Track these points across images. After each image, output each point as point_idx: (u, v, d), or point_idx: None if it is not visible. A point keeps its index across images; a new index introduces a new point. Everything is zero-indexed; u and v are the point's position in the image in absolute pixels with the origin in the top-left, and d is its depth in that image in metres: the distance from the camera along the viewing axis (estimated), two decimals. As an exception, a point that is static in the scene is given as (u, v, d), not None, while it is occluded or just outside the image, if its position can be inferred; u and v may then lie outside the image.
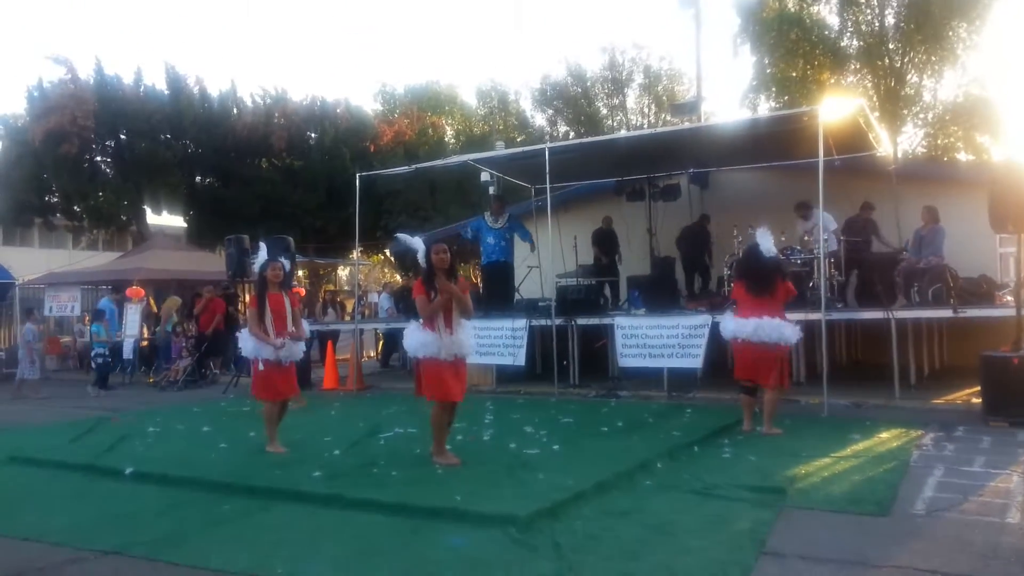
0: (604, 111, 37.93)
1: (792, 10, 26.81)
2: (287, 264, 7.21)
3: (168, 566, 4.08)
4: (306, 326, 7.44)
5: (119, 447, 7.21)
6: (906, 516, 4.58)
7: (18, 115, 22.95)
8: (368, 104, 35.48)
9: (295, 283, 15.06)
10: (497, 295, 12.27)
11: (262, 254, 6.96)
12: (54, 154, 21.02)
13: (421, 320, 5.95)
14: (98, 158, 23.37)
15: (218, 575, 3.94)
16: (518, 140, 33.55)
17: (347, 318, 16.97)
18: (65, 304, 17.08)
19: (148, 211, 24.76)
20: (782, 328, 6.99)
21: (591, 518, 4.64)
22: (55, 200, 23.40)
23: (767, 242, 7.13)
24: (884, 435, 6.92)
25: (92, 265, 20.93)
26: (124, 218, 23.99)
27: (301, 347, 7.10)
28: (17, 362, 16.23)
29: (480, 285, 13.67)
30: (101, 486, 5.89)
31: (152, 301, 16.91)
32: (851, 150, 10.48)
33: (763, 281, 7.08)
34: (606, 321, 10.54)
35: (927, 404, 8.51)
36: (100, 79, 22.52)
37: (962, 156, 25.88)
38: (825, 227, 10.06)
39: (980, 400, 7.67)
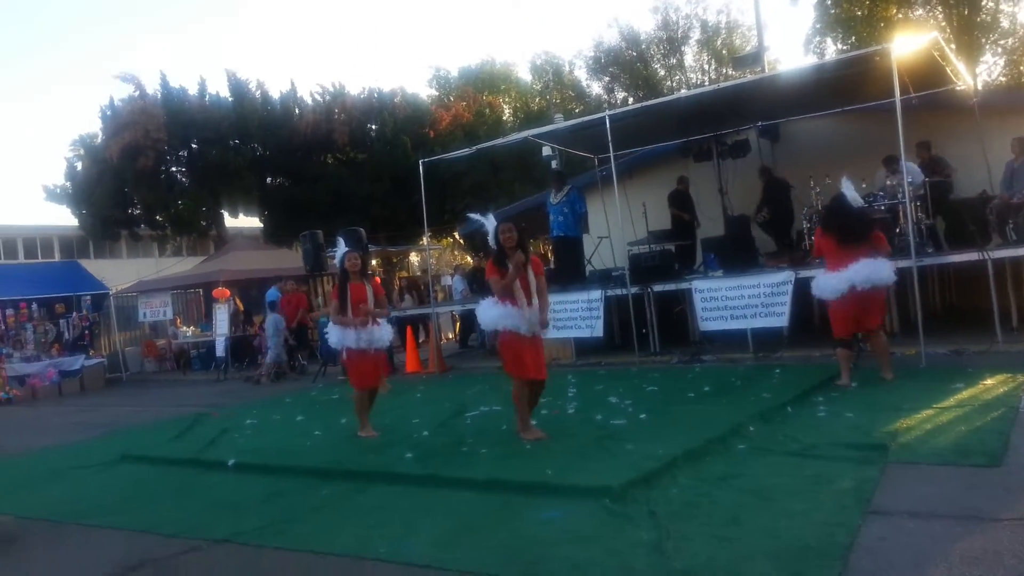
0: (662, 72, 37.15)
1: (853, -54, 25.58)
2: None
3: (275, 551, 4.22)
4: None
5: (220, 440, 7.52)
6: (1020, 465, 4.34)
7: (94, 134, 23.98)
8: (423, 90, 35.70)
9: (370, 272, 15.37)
10: (565, 269, 12.20)
11: (341, 247, 7.13)
12: (132, 168, 21.89)
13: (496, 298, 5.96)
14: (173, 168, 24.21)
15: (322, 557, 4.05)
16: (576, 111, 33.19)
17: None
18: (158, 309, 17.92)
19: (225, 215, 25.59)
20: (880, 268, 6.79)
21: (686, 485, 4.56)
22: (138, 212, 24.38)
23: (852, 192, 6.87)
24: (989, 382, 6.57)
25: (178, 271, 21.85)
26: (204, 223, 24.84)
27: (386, 333, 7.14)
28: (120, 365, 17.22)
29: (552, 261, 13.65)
30: (207, 478, 6.15)
31: (238, 300, 17.53)
32: (928, 86, 9.94)
33: (854, 231, 6.85)
34: (683, 286, 10.34)
35: (1032, 346, 8.06)
36: (167, 92, 23.27)
37: (1050, 82, 24.30)
38: (913, 180, 9.62)
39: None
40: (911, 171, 10.03)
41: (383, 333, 7.08)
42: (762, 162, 12.65)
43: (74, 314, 17.49)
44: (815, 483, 4.38)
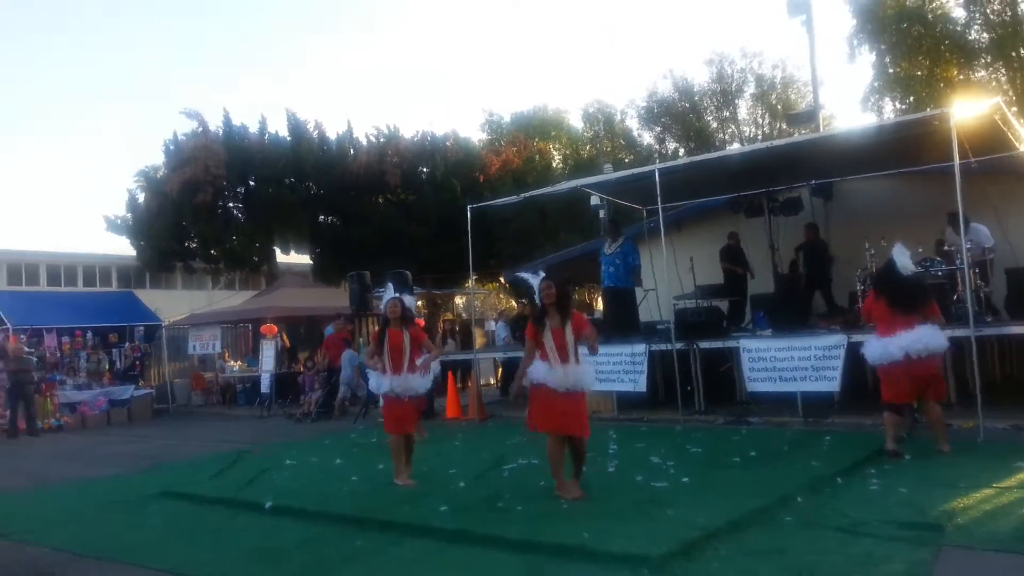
0: (714, 124, 37.13)
1: (912, 5, 25.39)
2: (408, 299, 7.39)
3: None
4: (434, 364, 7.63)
5: (259, 480, 7.56)
6: (1085, 557, 4.11)
7: (156, 167, 24.83)
8: (475, 135, 36.26)
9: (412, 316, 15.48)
10: (615, 320, 12.12)
11: (388, 291, 7.25)
12: (191, 203, 22.56)
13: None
14: (230, 204, 24.90)
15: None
16: (626, 160, 33.29)
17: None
18: (207, 342, 18.28)
19: (277, 251, 26.14)
20: (934, 336, 6.62)
21: (727, 559, 4.42)
22: (194, 245, 25.07)
23: (904, 259, 6.71)
24: (1052, 462, 6.27)
25: (229, 305, 22.33)
26: (256, 259, 25.41)
27: (421, 383, 7.11)
28: (168, 396, 17.52)
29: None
30: (243, 520, 6.18)
31: (285, 337, 17.80)
32: (989, 151, 9.71)
33: (906, 298, 6.72)
34: (730, 344, 10.16)
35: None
36: (228, 130, 24.06)
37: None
38: (980, 243, 9.39)
39: None
40: (978, 234, 9.77)
41: (420, 382, 7.06)
42: (813, 220, 12.51)
43: (127, 344, 17.96)
44: (864, 563, 4.20)
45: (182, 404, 18.33)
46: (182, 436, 12.96)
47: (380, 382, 6.98)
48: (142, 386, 17.40)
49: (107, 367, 17.38)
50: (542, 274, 6.21)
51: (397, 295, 7.17)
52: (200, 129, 23.94)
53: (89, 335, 17.58)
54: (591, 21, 72.74)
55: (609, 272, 12.20)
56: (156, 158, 30.74)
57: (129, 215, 25.13)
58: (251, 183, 24.28)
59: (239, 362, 19.08)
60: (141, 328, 18.43)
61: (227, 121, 24.15)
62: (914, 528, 4.72)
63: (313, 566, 4.83)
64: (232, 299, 25.54)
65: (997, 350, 10.56)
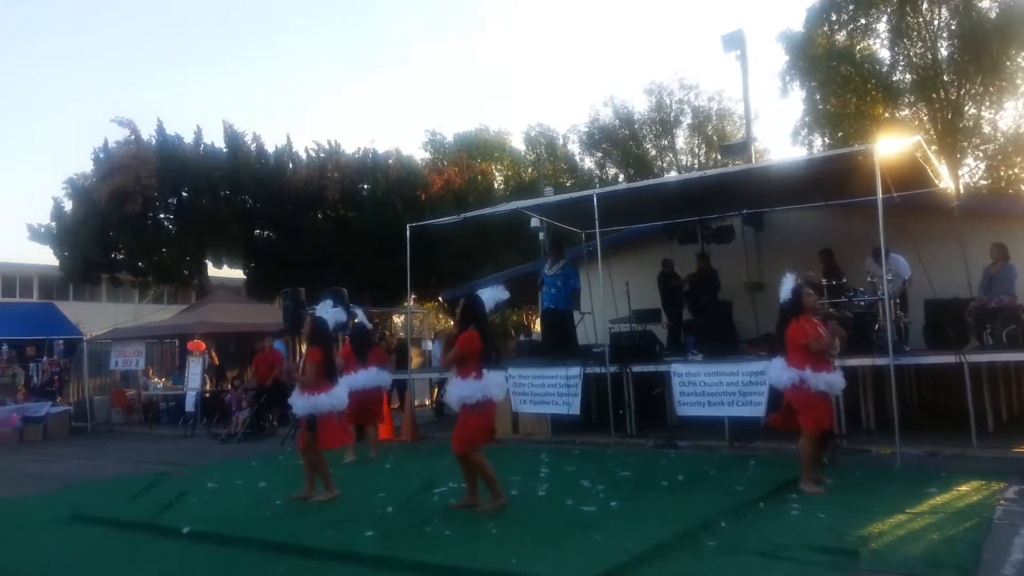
0: (653, 152, 37.90)
1: (841, 45, 26.52)
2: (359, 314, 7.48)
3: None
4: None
5: (178, 504, 7.26)
6: (993, 582, 4.27)
7: (85, 175, 23.96)
8: (418, 153, 36.16)
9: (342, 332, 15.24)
10: (553, 343, 12.16)
11: (322, 307, 7.43)
12: (119, 213, 21.84)
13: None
14: (161, 215, 24.20)
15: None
16: (567, 184, 33.67)
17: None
18: (131, 358, 17.59)
19: (209, 265, 25.47)
20: (779, 369, 6.80)
21: (652, 584, 4.44)
22: (120, 257, 24.25)
23: (786, 286, 6.90)
24: (963, 488, 6.52)
25: (157, 319, 21.60)
26: (186, 272, 24.70)
27: (318, 401, 7.05)
28: (87, 414, 16.75)
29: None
30: (159, 546, 5.91)
31: (214, 354, 17.28)
32: (910, 186, 10.16)
33: (782, 325, 6.92)
34: (662, 368, 10.30)
35: (1008, 453, 8.03)
36: (162, 139, 23.44)
37: (1029, 187, 24.99)
38: (899, 274, 9.76)
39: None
40: (898, 265, 10.16)
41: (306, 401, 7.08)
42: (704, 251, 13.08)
43: (44, 358, 17.15)
44: (784, 589, 4.27)
45: (102, 422, 17.53)
46: (99, 456, 12.41)
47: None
48: (60, 403, 16.62)
49: (23, 382, 16.56)
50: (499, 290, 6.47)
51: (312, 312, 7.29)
52: (132, 137, 23.26)
53: (4, 348, 16.74)
54: (535, 43, 73.79)
55: (551, 294, 12.29)
56: (85, 166, 29.64)
57: (54, 223, 24.17)
58: (184, 194, 23.68)
59: (164, 379, 18.43)
60: (61, 342, 17.65)
61: (161, 130, 23.54)
62: (832, 553, 4.82)
63: (230, 594, 4.66)
64: (160, 313, 24.76)
65: (915, 377, 10.96)
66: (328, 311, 7.52)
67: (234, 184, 23.80)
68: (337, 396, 7.15)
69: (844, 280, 10.49)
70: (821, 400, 6.68)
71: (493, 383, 6.28)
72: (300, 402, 7.10)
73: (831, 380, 6.69)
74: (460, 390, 6.21)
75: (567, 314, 12.41)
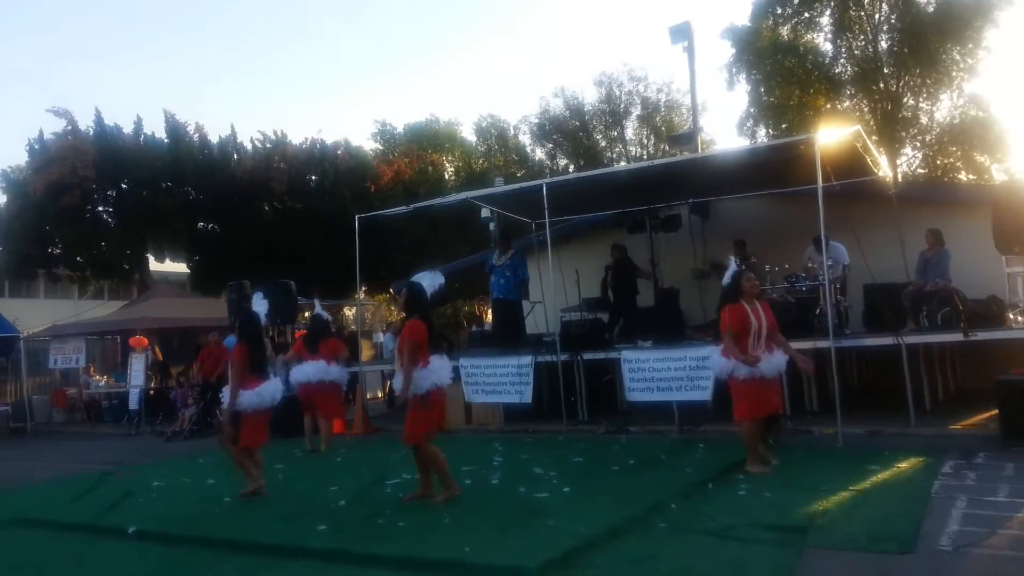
0: (603, 143, 38.19)
1: (786, 38, 27.09)
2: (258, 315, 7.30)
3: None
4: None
5: (122, 504, 7.08)
6: (931, 553, 4.42)
7: (19, 168, 23.12)
8: (367, 144, 35.79)
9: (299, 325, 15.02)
10: (503, 332, 12.22)
11: (254, 301, 7.28)
12: (56, 206, 21.12)
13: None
14: (99, 208, 23.47)
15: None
16: (518, 175, 33.72)
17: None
18: (70, 355, 17.00)
19: (151, 259, 24.82)
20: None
21: (604, 567, 4.49)
22: (58, 251, 23.46)
23: (730, 268, 7.07)
24: (903, 465, 6.75)
25: (97, 315, 20.94)
26: (127, 267, 24.03)
27: (240, 397, 6.94)
28: (25, 415, 16.17)
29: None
30: (103, 547, 5.76)
31: (157, 350, 16.85)
32: (850, 175, 10.43)
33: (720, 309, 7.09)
34: (612, 355, 10.41)
35: (944, 430, 8.34)
36: (100, 130, 22.71)
37: (963, 176, 25.92)
38: (838, 260, 10.02)
39: (998, 425, 7.51)
40: (837, 252, 10.45)
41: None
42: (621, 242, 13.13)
43: (-21, 358, 16.51)
44: (733, 567, 4.38)
45: (42, 423, 16.91)
46: (39, 457, 12.00)
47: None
48: (-4, 403, 16.02)
49: (-45, 383, 15.93)
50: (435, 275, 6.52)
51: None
52: (69, 128, 22.48)
53: (-65, 348, 16.06)
54: (486, 32, 73.55)
55: (500, 284, 12.34)
56: (19, 158, 28.57)
57: (-15, 218, 23.25)
58: (124, 186, 23.00)
59: (106, 377, 17.89)
60: (-5, 340, 16.96)
61: (99, 120, 22.81)
62: (779, 531, 4.95)
63: (178, 593, 4.57)
64: (100, 309, 24.02)
65: (856, 360, 11.29)
66: (259, 304, 7.42)
67: (176, 175, 23.21)
68: (264, 393, 6.98)
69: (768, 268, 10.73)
70: (755, 386, 6.68)
71: (439, 369, 6.25)
72: (225, 398, 7.03)
73: (761, 365, 6.65)
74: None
75: (517, 303, 12.48)
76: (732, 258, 7.33)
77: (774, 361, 6.79)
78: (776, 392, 7.01)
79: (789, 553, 4.54)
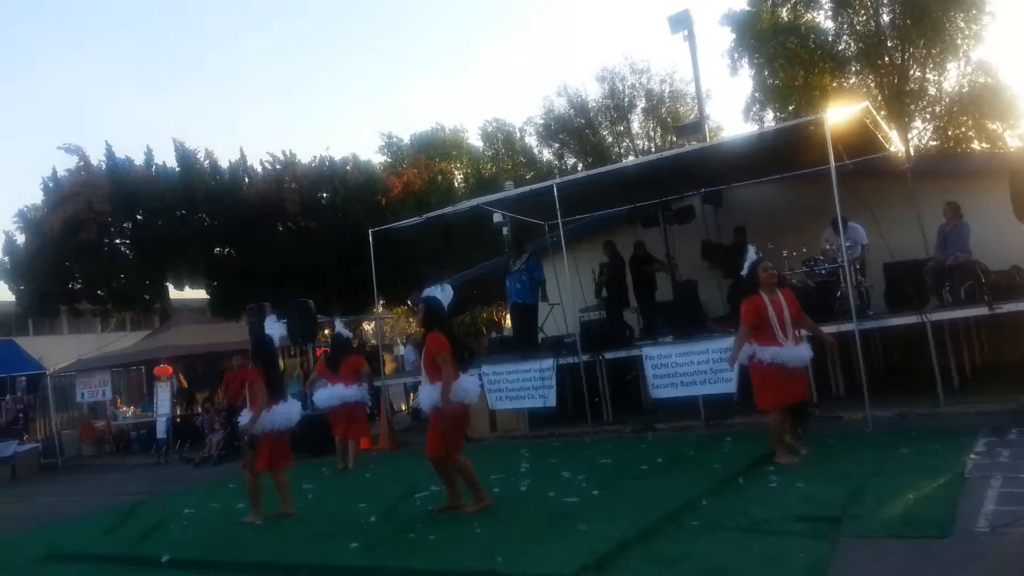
0: (610, 139, 38.03)
1: (786, 19, 26.85)
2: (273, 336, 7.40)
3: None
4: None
5: (155, 533, 7.12)
6: (969, 535, 4.34)
7: (36, 207, 23.41)
8: (375, 158, 35.89)
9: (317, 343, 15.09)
10: (522, 337, 12.19)
11: (268, 324, 7.41)
12: (73, 242, 21.35)
13: None
14: (116, 241, 23.70)
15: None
16: (527, 177, 33.66)
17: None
18: (96, 389, 17.23)
19: (170, 288, 25.03)
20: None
21: (639, 569, 4.46)
22: (78, 287, 23.72)
23: (749, 258, 6.96)
24: (934, 446, 6.65)
25: (120, 347, 21.14)
26: (147, 297, 24.24)
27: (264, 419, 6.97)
28: (56, 450, 16.31)
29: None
30: (139, 577, 5.81)
31: (182, 377, 16.99)
32: (862, 152, 10.32)
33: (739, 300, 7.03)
34: (634, 353, 10.35)
35: (974, 408, 8.17)
36: (112, 163, 22.92)
37: (976, 145, 25.54)
38: (856, 240, 9.91)
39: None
40: (855, 233, 10.33)
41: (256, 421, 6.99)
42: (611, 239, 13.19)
43: (7, 396, 16.71)
44: (769, 561, 4.32)
45: (72, 457, 17.13)
46: (72, 492, 12.14)
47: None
48: (27, 440, 16.20)
49: (-13, 423, 16.13)
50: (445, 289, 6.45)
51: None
52: (81, 163, 22.73)
53: (-35, 390, 16.29)
54: (485, 38, 73.63)
55: (516, 289, 12.31)
56: (35, 197, 28.99)
57: (7, 258, 23.53)
58: (139, 217, 23.19)
59: (133, 408, 18.06)
60: (23, 378, 17.18)
61: (110, 154, 23.02)
62: (812, 522, 4.88)
63: (215, 620, 4.59)
64: (123, 341, 24.23)
65: (880, 341, 11.15)
66: (273, 326, 7.45)
67: (189, 203, 23.38)
68: (279, 414, 7.01)
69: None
70: (778, 376, 6.59)
71: (465, 385, 6.23)
72: (243, 421, 7.07)
73: (782, 354, 6.56)
74: (431, 394, 6.16)
75: (534, 307, 12.42)
76: (750, 247, 7.19)
77: (797, 351, 6.71)
78: (800, 382, 6.88)
79: (824, 544, 4.47)
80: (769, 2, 26.89)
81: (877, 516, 4.89)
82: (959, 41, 24.82)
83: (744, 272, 6.94)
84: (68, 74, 68.96)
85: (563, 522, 5.55)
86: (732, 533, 4.90)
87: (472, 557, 4.99)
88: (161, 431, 14.79)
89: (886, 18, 25.74)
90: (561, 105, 37.62)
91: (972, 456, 6.13)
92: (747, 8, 26.99)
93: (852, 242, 10.07)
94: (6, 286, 24.09)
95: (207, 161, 24.49)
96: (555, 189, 10.73)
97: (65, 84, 68.81)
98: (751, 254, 7.02)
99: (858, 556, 4.27)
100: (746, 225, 12.05)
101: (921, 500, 5.10)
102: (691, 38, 16.87)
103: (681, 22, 16.77)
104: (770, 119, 27.21)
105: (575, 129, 37.56)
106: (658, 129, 37.19)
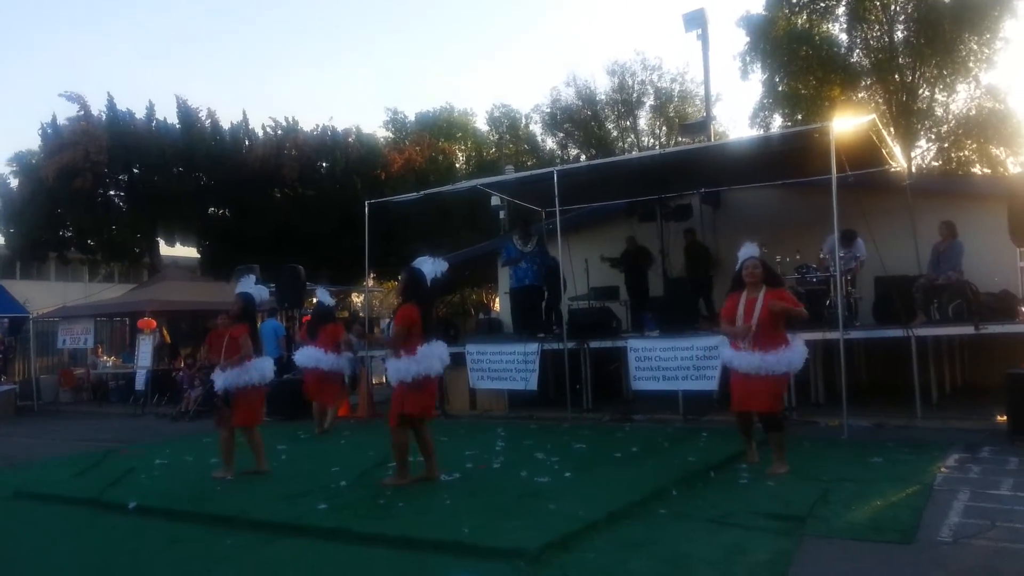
0: (615, 133, 37.94)
1: (801, 27, 26.78)
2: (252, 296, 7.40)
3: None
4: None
5: (125, 480, 7.12)
6: (931, 544, 4.38)
7: (32, 152, 23.26)
8: (379, 132, 35.71)
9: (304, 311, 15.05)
10: (527, 320, 12.04)
11: (243, 283, 7.41)
12: (68, 190, 21.25)
13: None
14: (111, 192, 23.61)
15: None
16: (529, 164, 33.58)
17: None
18: (79, 336, 17.13)
19: (161, 243, 24.98)
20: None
21: (603, 550, 4.47)
22: (69, 235, 23.62)
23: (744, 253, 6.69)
24: (907, 457, 6.69)
25: (107, 297, 21.04)
26: (137, 251, 24.16)
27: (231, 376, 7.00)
28: (33, 393, 16.25)
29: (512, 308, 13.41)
30: (105, 521, 5.79)
31: (165, 332, 16.92)
32: (864, 165, 10.32)
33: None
34: (619, 344, 10.36)
35: (950, 424, 8.26)
36: (112, 115, 22.79)
37: (978, 169, 25.61)
38: (858, 255, 9.96)
39: (1005, 419, 7.43)
40: (858, 248, 10.40)
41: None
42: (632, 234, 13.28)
43: (-11, 337, 16.64)
44: (731, 553, 4.34)
45: (49, 402, 17.05)
46: (45, 435, 12.09)
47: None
48: (4, 382, 16.11)
49: (-34, 362, 16.05)
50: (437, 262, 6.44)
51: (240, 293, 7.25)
52: (81, 112, 22.58)
53: (-53, 328, 16.19)
54: (500, 21, 73.23)
55: (525, 270, 12.08)
56: (32, 142, 28.72)
57: (-1, 201, 23.45)
58: (135, 171, 23.10)
59: (114, 358, 17.99)
60: (6, 320, 17.09)
61: (111, 105, 22.89)
62: (779, 519, 4.92)
63: (178, 567, 4.59)
64: (110, 292, 24.16)
65: (864, 353, 11.20)
66: (251, 287, 7.43)
67: (188, 161, 23.28)
68: (252, 369, 7.01)
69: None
70: (736, 380, 6.34)
71: (431, 357, 6.18)
72: (217, 378, 7.08)
73: (733, 359, 6.31)
74: (395, 366, 6.17)
75: (541, 290, 12.24)
76: (751, 244, 6.98)
77: (745, 357, 6.21)
78: (759, 392, 6.19)
79: (788, 541, 4.50)
80: (785, 8, 26.82)
81: (843, 519, 4.93)
82: (971, 64, 24.85)
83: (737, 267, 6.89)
84: (72, 22, 68.25)
85: (533, 500, 5.57)
86: (699, 523, 4.93)
87: (439, 527, 5.00)
88: (140, 383, 14.74)
89: (900, 35, 25.75)
90: (569, 95, 37.51)
91: (943, 469, 6.18)
92: (763, 13, 26.93)
93: (852, 255, 10.13)
94: (-4, 228, 24.00)
95: (208, 121, 24.40)
96: (555, 176, 10.69)
97: (68, 33, 68.12)
98: (748, 249, 6.85)
99: (820, 555, 4.30)
100: (742, 228, 12.05)
101: (888, 507, 5.14)
102: (704, 37, 16.81)
103: (696, 20, 16.71)
104: (777, 125, 27.21)
105: (581, 120, 37.44)
106: (664, 127, 37.11)
